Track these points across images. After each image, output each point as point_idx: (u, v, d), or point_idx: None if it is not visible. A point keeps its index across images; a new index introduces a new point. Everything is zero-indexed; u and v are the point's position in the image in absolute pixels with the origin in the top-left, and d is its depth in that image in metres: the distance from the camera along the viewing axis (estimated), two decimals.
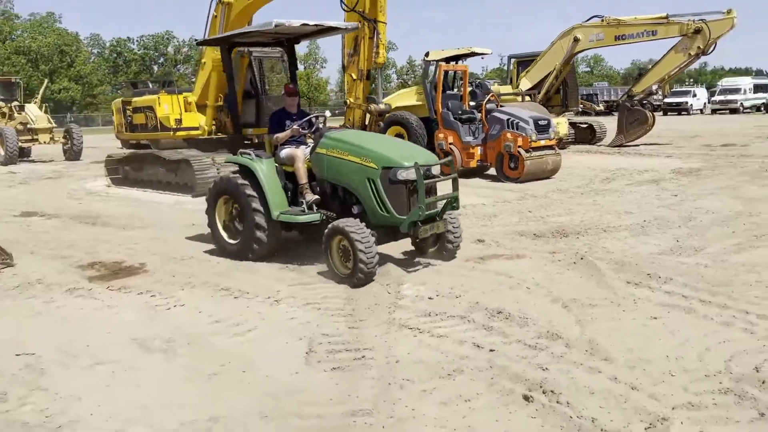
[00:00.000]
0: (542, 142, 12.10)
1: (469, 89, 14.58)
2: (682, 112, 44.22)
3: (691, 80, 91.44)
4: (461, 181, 12.13)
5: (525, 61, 21.11)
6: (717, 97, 45.20)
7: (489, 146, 12.59)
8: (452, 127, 12.95)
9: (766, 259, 5.93)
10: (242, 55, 13.27)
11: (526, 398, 3.37)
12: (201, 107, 13.14)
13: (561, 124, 17.07)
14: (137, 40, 74.99)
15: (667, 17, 17.49)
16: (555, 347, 4.06)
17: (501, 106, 13.64)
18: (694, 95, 47.17)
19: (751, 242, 6.65)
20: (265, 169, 6.42)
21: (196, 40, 10.42)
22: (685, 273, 5.57)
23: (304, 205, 6.28)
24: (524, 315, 4.64)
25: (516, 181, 11.84)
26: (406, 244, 6.49)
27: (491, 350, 4.05)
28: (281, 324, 4.70)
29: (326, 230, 5.75)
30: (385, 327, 4.53)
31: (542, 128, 12.18)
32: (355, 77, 10.41)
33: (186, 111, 13.08)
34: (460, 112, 13.32)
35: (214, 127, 13.20)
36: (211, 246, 7.28)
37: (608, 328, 4.35)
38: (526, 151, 11.84)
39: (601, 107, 51.75)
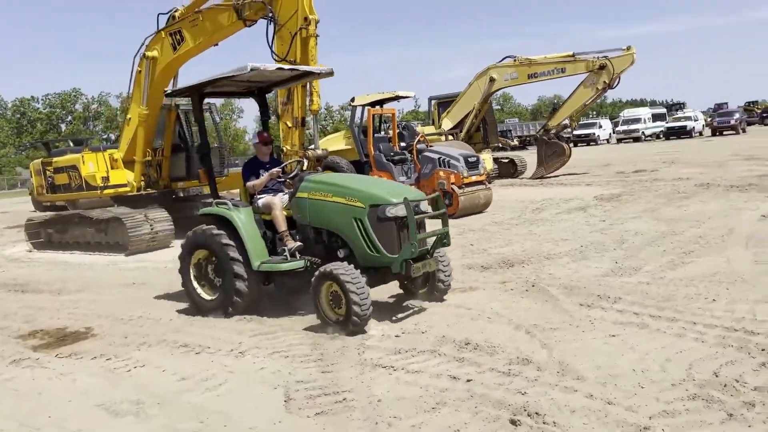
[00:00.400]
0: (473, 178, 12.55)
1: (396, 131, 14.98)
2: (591, 143, 46.78)
3: (595, 113, 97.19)
4: None
5: (445, 102, 21.89)
6: (621, 127, 48.19)
7: (422, 185, 12.90)
8: (385, 168, 13.22)
9: (699, 273, 6.36)
10: (169, 109, 13.17)
11: (514, 422, 3.47)
12: (128, 163, 12.81)
13: (486, 160, 17.72)
14: (42, 99, 72.22)
15: (573, 55, 18.68)
16: (528, 371, 4.19)
17: (430, 145, 14.07)
18: (600, 126, 50.08)
19: (682, 258, 7.12)
20: (243, 218, 6.19)
21: (118, 94, 10.15)
22: (630, 292, 5.90)
23: (286, 253, 6.03)
24: (491, 344, 4.77)
25: (451, 217, 12.13)
26: (393, 288, 6.44)
27: (468, 380, 4.13)
28: (252, 375, 4.61)
29: (315, 276, 5.50)
30: (359, 368, 4.53)
31: (472, 165, 12.64)
32: (290, 125, 10.49)
33: (112, 168, 12.71)
34: (391, 153, 13.64)
35: (143, 183, 12.91)
36: (159, 303, 7.08)
37: (574, 349, 4.54)
38: (459, 187, 12.22)
39: (516, 142, 54.02)
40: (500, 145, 25.03)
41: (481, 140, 21.18)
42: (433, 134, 19.36)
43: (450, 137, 19.37)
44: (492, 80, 19.59)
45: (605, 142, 48.43)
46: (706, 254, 7.21)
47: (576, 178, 18.93)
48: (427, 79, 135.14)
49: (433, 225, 6.08)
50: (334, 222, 5.81)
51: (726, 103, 69.98)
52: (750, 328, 4.63)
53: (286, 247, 6.07)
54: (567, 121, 20.80)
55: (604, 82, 18.24)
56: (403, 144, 14.63)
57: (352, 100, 15.98)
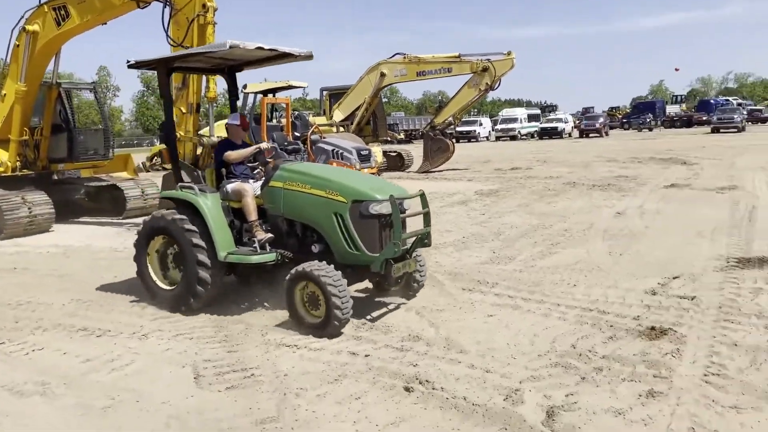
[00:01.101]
0: (366, 170, 13.04)
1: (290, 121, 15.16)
2: (472, 140, 49.07)
3: (476, 111, 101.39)
4: None
5: (336, 94, 22.28)
6: (499, 126, 51.00)
7: None
8: (279, 158, 13.37)
9: (563, 262, 7.22)
10: (50, 87, 12.53)
11: (407, 389, 3.96)
12: (2, 142, 12.07)
13: (377, 153, 18.32)
14: None
15: (459, 56, 19.70)
16: (418, 347, 4.71)
17: (323, 137, 14.41)
18: (481, 124, 52.63)
19: (550, 249, 8.01)
20: (210, 204, 5.76)
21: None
22: (506, 278, 6.62)
23: (256, 245, 5.66)
24: (386, 324, 5.27)
25: None
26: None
27: (366, 355, 4.59)
28: (158, 356, 4.78)
29: (289, 276, 5.18)
30: (263, 347, 4.85)
31: (364, 157, 13.16)
32: (184, 111, 10.41)
33: None
34: (285, 143, 13.81)
35: (18, 164, 12.21)
36: (48, 288, 6.93)
37: (458, 327, 5.13)
38: None
39: (402, 136, 55.41)
40: (388, 139, 25.83)
41: (371, 133, 21.78)
42: (325, 125, 19.70)
43: (341, 129, 19.81)
44: (382, 75, 20.21)
45: (485, 139, 50.92)
46: (570, 246, 8.15)
47: (458, 174, 20.03)
48: (315, 69, 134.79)
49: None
50: (311, 215, 5.52)
51: (593, 107, 75.81)
52: (602, 308, 5.44)
53: (255, 238, 5.70)
54: (451, 119, 21.91)
55: (487, 83, 19.40)
56: (296, 134, 14.85)
57: (245, 87, 15.98)
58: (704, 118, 51.72)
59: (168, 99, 6.48)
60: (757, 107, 65.85)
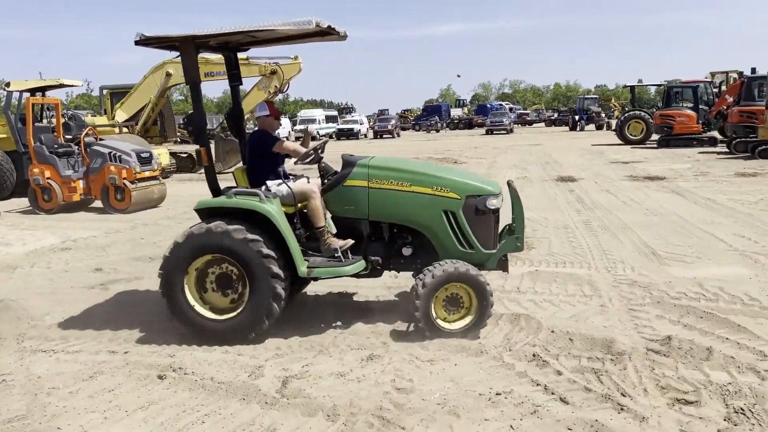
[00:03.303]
0: (147, 173, 12.82)
1: (61, 121, 14.31)
2: None
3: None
4: (64, 216, 12.03)
5: (118, 93, 21.28)
6: (298, 126, 51.84)
7: (92, 179, 12.70)
8: (48, 161, 12.62)
9: None
10: None
11: (161, 377, 4.32)
12: None
13: (162, 155, 17.91)
14: None
15: (247, 59, 19.87)
16: (182, 340, 5.07)
17: (100, 139, 13.84)
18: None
19: None
20: (278, 211, 4.91)
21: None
22: None
23: (338, 254, 5.06)
24: (150, 323, 5.53)
25: (124, 212, 12.27)
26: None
27: (125, 352, 4.84)
28: None
29: (431, 278, 4.76)
30: (18, 355, 4.86)
31: (145, 160, 12.90)
32: None
33: None
34: (55, 145, 13.06)
35: None
36: None
37: None
38: (132, 182, 12.39)
39: None
40: (179, 139, 25.21)
41: (158, 134, 21.18)
42: (106, 126, 18.78)
43: (125, 129, 19.01)
44: (168, 75, 19.74)
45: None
46: None
47: None
48: (94, 62, 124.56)
49: None
50: (411, 216, 5.07)
51: (387, 110, 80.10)
52: (352, 291, 6.23)
53: (330, 246, 5.11)
54: (246, 118, 22.08)
55: (276, 86, 19.92)
56: (69, 136, 14.06)
57: (8, 84, 14.70)
58: (480, 121, 57.45)
59: (197, 85, 5.13)
60: (525, 111, 74.75)
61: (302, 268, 4.89)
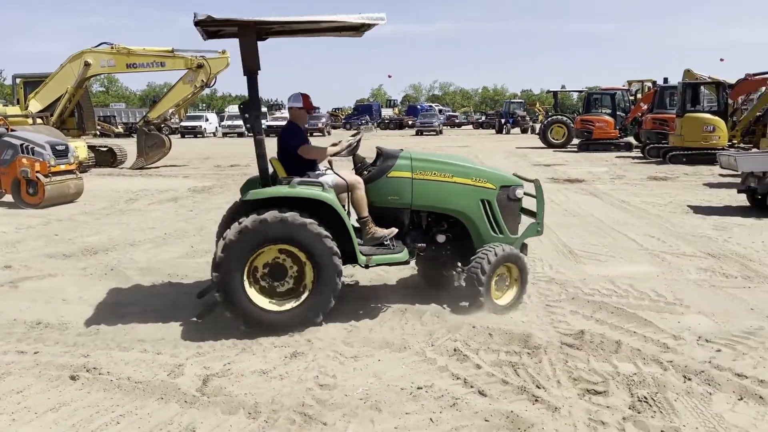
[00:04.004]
0: (62, 167, 12.25)
1: None
2: (198, 135, 48.13)
3: (205, 105, 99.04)
4: None
5: (33, 82, 20.20)
6: (226, 122, 50.83)
7: (2, 172, 12.03)
8: None
9: None
10: None
11: (73, 378, 4.16)
12: None
13: (80, 148, 17.17)
14: None
15: (173, 51, 19.37)
16: (94, 340, 4.89)
17: (12, 129, 13.12)
18: (207, 119, 51.81)
19: None
20: (337, 201, 5.06)
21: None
22: (197, 270, 7.04)
23: (389, 242, 5.31)
24: (63, 321, 5.31)
25: (37, 207, 11.68)
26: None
27: (36, 353, 4.63)
28: None
29: (490, 260, 5.24)
30: None
31: (60, 153, 12.32)
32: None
33: None
34: None
35: None
36: None
37: (141, 318, 5.40)
38: (45, 176, 11.81)
39: (120, 129, 51.92)
40: (98, 133, 24.24)
41: (75, 126, 20.26)
42: (18, 116, 17.79)
43: (39, 120, 18.06)
44: (87, 65, 18.89)
45: (212, 135, 50.35)
46: None
47: (176, 170, 19.77)
48: (7, 51, 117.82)
49: None
50: (452, 204, 5.46)
51: (318, 108, 79.64)
52: None
53: (374, 234, 5.27)
54: (170, 113, 21.47)
55: (202, 80, 19.42)
56: None
57: None
58: (411, 122, 58.07)
59: (255, 75, 4.95)
60: (454, 113, 76.11)
61: (362, 257, 5.13)
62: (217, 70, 19.57)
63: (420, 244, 5.50)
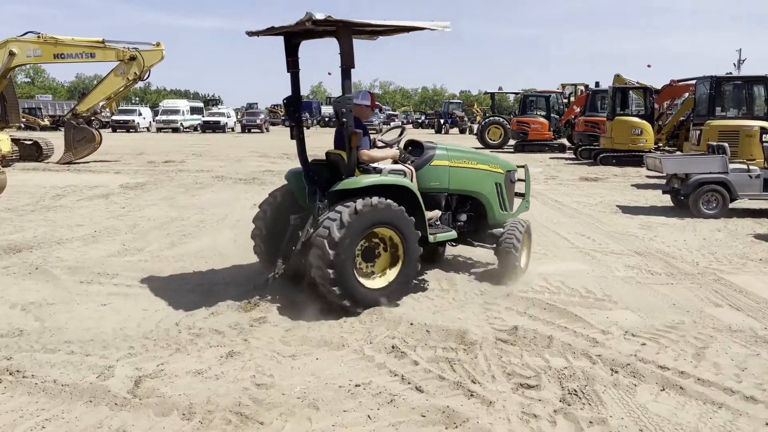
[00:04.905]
0: None
1: None
2: (130, 130, 46.65)
3: (138, 99, 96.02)
4: None
5: None
6: (160, 117, 49.40)
7: None
8: None
9: (190, 251, 7.70)
10: None
11: None
12: None
13: (3, 141, 16.35)
14: None
15: (103, 42, 18.67)
16: (18, 342, 4.66)
17: None
18: (140, 114, 50.28)
19: (181, 240, 8.43)
20: (416, 189, 5.76)
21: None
22: (129, 269, 6.81)
23: (438, 223, 6.23)
24: None
25: None
26: None
27: None
28: None
29: (519, 235, 6.34)
30: None
31: None
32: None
33: None
34: None
35: None
36: None
37: (66, 318, 5.20)
38: None
39: (47, 122, 49.74)
40: (23, 125, 23.11)
41: None
42: None
43: None
44: (12, 54, 18.00)
45: (145, 130, 48.90)
46: (201, 236, 8.70)
47: (106, 166, 19.08)
48: None
49: None
50: (476, 187, 6.39)
51: (256, 104, 78.55)
52: (214, 288, 6.07)
53: (426, 216, 5.83)
54: (100, 106, 20.69)
55: (135, 73, 18.82)
56: None
57: None
58: None
59: (349, 71, 5.25)
60: (394, 112, 76.52)
61: (431, 236, 5.85)
62: (151, 62, 19.02)
63: (461, 223, 6.46)
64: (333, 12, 4.82)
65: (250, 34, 5.55)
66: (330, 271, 5.05)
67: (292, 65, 5.88)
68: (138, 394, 3.82)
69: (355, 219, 5.13)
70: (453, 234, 6.18)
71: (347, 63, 5.21)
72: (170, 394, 3.83)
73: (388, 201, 5.33)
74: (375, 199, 5.24)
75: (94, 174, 16.72)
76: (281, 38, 5.69)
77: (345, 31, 5.18)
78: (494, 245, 6.45)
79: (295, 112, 5.93)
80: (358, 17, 5.11)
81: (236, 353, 4.48)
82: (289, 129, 6.13)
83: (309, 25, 4.95)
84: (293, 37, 5.73)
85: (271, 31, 5.41)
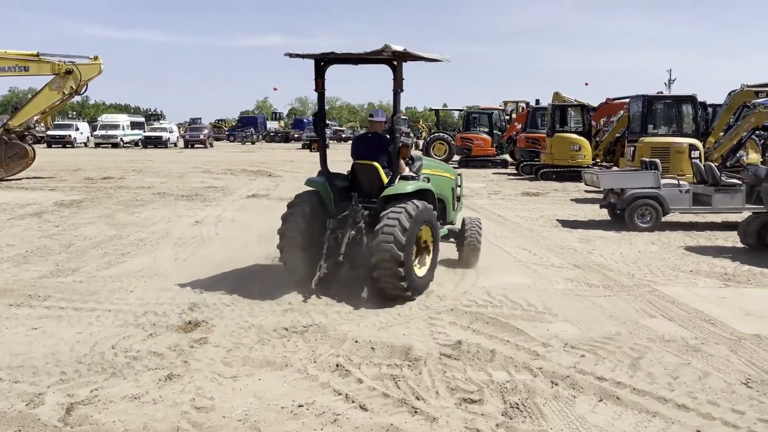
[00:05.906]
0: None
1: None
2: (67, 145, 45.04)
3: (75, 113, 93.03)
4: None
5: None
6: (99, 132, 47.89)
7: None
8: None
9: (127, 271, 7.48)
10: None
11: None
12: None
13: None
14: None
15: (38, 55, 18.06)
16: None
17: None
18: (77, 129, 48.62)
19: (119, 259, 8.17)
20: None
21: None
22: (63, 290, 6.56)
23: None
24: None
25: None
26: None
27: None
28: None
29: (478, 227, 7.92)
30: None
31: None
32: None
33: None
34: None
35: None
36: None
37: None
38: None
39: None
40: None
41: None
42: None
43: None
44: None
45: (83, 145, 47.33)
46: (140, 254, 8.45)
47: (40, 182, 18.37)
48: None
49: None
50: (443, 190, 7.59)
51: (200, 118, 77.29)
52: (152, 309, 5.90)
53: None
54: (34, 121, 19.92)
55: (71, 87, 18.28)
56: None
57: None
58: (297, 135, 57.74)
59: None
60: (341, 128, 76.58)
61: (445, 230, 7.62)
62: (89, 77, 18.52)
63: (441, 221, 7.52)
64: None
65: (291, 56, 6.47)
66: (400, 269, 5.94)
67: (321, 86, 6.66)
68: (69, 422, 3.66)
69: (411, 222, 6.08)
70: (445, 230, 7.60)
71: (401, 87, 6.30)
72: (104, 421, 3.68)
73: (426, 203, 6.43)
74: (420, 203, 6.30)
75: (26, 191, 16.05)
76: (285, 58, 6.60)
77: (400, 60, 6.18)
78: (455, 240, 7.79)
79: (323, 127, 7.12)
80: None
81: (175, 376, 4.35)
82: (309, 142, 7.23)
83: (386, 55, 5.96)
84: (327, 62, 6.57)
85: (313, 56, 6.39)
